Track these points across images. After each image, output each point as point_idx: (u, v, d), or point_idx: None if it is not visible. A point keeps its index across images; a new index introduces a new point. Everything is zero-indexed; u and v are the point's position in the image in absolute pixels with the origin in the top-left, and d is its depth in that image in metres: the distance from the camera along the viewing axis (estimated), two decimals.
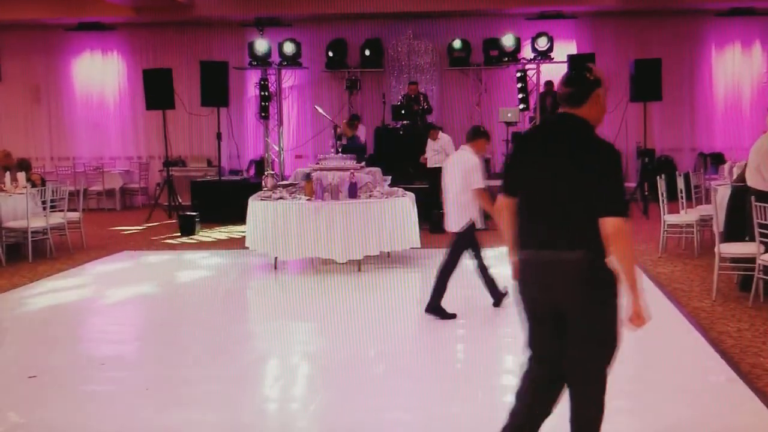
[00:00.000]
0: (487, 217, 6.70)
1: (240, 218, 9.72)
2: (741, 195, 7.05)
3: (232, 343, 6.13)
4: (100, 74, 16.23)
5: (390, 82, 15.45)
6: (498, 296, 6.73)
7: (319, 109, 12.55)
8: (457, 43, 14.98)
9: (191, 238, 11.29)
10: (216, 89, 13.74)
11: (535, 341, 3.46)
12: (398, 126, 13.62)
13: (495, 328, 6.55)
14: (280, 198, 8.89)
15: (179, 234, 11.51)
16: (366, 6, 14.05)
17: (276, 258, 8.83)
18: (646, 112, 13.18)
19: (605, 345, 3.29)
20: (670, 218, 9.08)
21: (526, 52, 14.38)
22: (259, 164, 15.16)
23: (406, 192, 9.31)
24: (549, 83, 14.12)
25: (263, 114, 14.62)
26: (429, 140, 12.06)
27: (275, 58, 14.50)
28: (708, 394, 4.81)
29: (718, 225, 7.10)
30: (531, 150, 3.42)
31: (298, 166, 14.46)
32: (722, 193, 7.83)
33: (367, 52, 15.10)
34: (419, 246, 8.97)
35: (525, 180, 3.38)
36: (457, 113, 15.30)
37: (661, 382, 4.93)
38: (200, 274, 9.10)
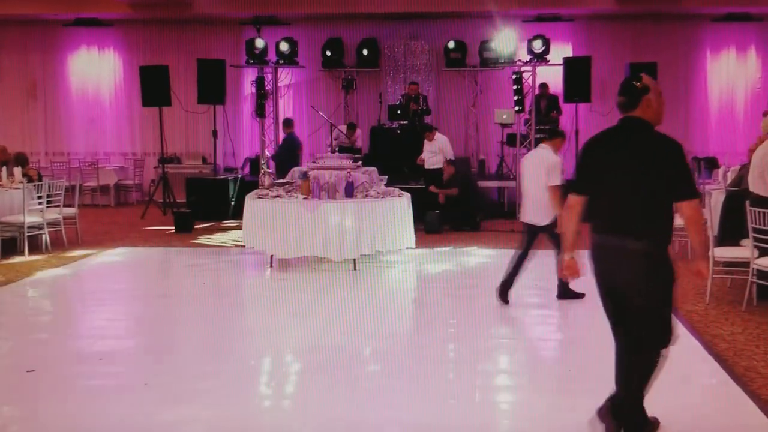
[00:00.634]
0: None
1: (235, 215, 9.73)
2: (736, 199, 7.11)
3: (228, 340, 6.15)
4: (96, 70, 16.20)
5: (386, 82, 15.47)
6: (505, 293, 6.87)
7: (321, 114, 12.63)
8: (453, 44, 15.02)
9: (186, 235, 11.28)
10: (212, 87, 13.75)
11: (608, 313, 3.95)
12: (395, 126, 13.64)
13: (490, 329, 6.58)
14: (277, 196, 8.91)
15: (174, 230, 11.52)
16: (363, 6, 14.06)
17: (272, 256, 8.85)
18: None
19: (658, 323, 3.77)
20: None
21: (522, 55, 14.41)
22: (254, 162, 15.16)
23: (403, 192, 9.34)
24: (544, 85, 14.16)
25: (259, 112, 14.62)
26: (425, 141, 12.10)
27: (272, 56, 14.49)
28: (702, 396, 4.87)
29: (713, 229, 7.15)
30: (599, 151, 3.91)
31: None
32: (716, 198, 7.88)
33: (365, 52, 15.12)
34: (414, 246, 9.01)
35: (596, 179, 3.86)
36: (452, 114, 15.34)
37: (654, 384, 4.96)
38: (195, 271, 9.10)
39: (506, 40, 13.58)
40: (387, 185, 10.27)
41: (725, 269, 7.18)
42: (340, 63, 15.35)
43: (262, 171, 12.81)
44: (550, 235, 6.73)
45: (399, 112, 13.51)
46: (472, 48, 15.07)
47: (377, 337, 6.25)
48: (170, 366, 5.56)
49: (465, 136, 15.39)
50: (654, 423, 4.06)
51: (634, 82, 3.83)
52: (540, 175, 6.72)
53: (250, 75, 15.40)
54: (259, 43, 14.15)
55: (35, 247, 9.69)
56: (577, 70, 13.27)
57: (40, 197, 9.56)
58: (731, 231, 7.10)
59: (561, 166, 6.72)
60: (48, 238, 9.79)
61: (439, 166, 11.91)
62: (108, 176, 15.33)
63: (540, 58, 13.45)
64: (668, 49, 14.78)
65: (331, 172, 9.24)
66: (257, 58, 14.26)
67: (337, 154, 10.34)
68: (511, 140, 13.87)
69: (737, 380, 4.95)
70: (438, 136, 12.12)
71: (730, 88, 15.27)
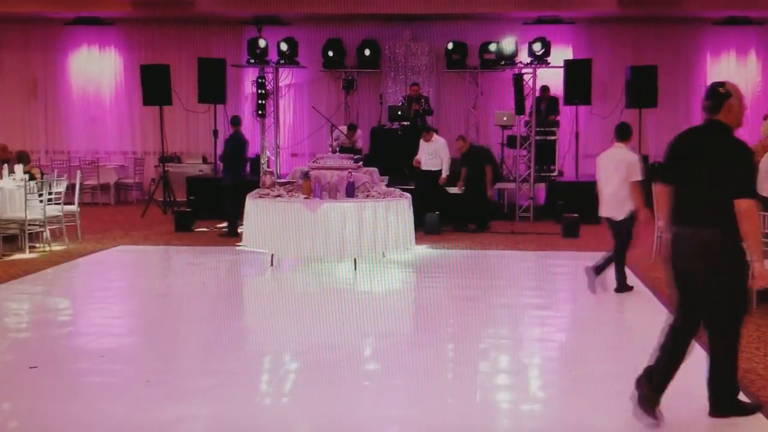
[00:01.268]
0: None
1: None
2: None
3: (229, 339, 6.16)
4: (97, 69, 16.23)
5: (387, 83, 15.49)
6: (596, 276, 7.25)
7: (321, 114, 12.62)
8: (453, 46, 15.04)
9: (186, 234, 11.29)
10: (213, 86, 13.77)
11: (677, 298, 4.35)
12: (395, 127, 13.64)
13: (490, 329, 6.60)
14: (278, 196, 8.92)
15: (174, 229, 11.52)
16: (364, 6, 14.08)
17: (272, 255, 8.86)
18: (641, 118, 13.27)
19: (730, 306, 4.21)
20: (663, 223, 9.12)
21: (523, 57, 14.44)
22: (255, 162, 15.16)
23: (403, 193, 9.36)
24: (545, 88, 14.19)
25: (260, 112, 14.64)
26: (422, 142, 11.95)
27: (273, 56, 14.51)
28: (702, 397, 4.87)
29: None
30: (682, 147, 4.38)
31: (293, 164, 14.50)
32: None
33: (367, 52, 15.14)
34: (415, 247, 9.02)
35: (677, 171, 4.34)
36: (453, 115, 15.36)
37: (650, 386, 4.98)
38: (196, 270, 9.12)
39: (506, 43, 13.60)
40: (387, 186, 10.28)
41: None
42: (341, 63, 15.38)
43: (263, 171, 12.82)
44: (624, 228, 7.13)
45: (400, 113, 13.52)
46: (473, 49, 15.09)
47: (377, 337, 6.26)
48: (171, 364, 5.57)
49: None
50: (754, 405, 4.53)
51: (718, 88, 4.25)
52: (620, 172, 7.15)
53: (250, 75, 15.42)
54: (262, 42, 14.17)
55: (36, 244, 9.69)
56: (577, 73, 13.31)
57: (41, 195, 9.57)
58: None
59: (640, 162, 7.22)
60: (49, 236, 9.81)
61: (437, 168, 11.78)
62: (108, 175, 15.36)
63: (540, 61, 13.48)
64: (668, 53, 14.82)
65: (333, 172, 9.24)
66: (258, 58, 14.27)
67: (338, 154, 10.34)
68: (511, 142, 13.89)
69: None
70: (436, 137, 12.02)
71: None
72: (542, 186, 13.64)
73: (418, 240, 9.17)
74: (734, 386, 4.43)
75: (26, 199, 9.36)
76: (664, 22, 14.99)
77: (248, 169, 13.41)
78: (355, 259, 8.65)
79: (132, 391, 4.93)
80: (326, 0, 14.15)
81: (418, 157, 11.92)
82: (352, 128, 14.02)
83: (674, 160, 4.43)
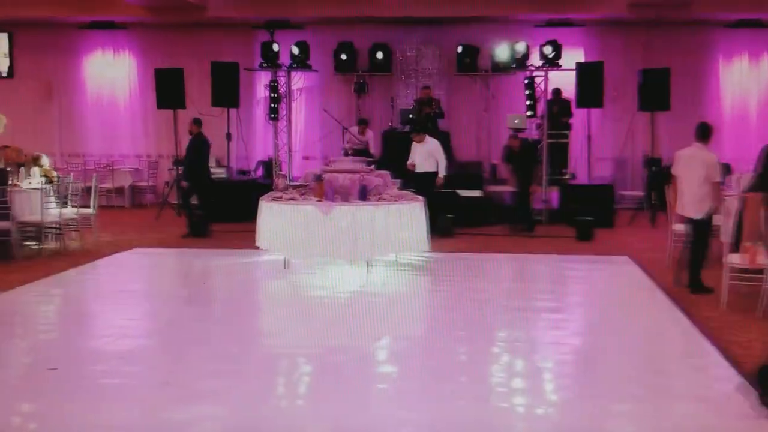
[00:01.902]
0: None
1: (249, 217, 9.79)
2: None
3: (244, 341, 6.22)
4: (111, 73, 16.35)
5: (398, 86, 15.53)
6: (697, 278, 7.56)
7: (333, 117, 12.63)
8: (464, 49, 15.06)
9: (201, 237, 11.35)
10: (226, 90, 13.86)
11: None
12: (407, 130, 13.63)
13: (503, 332, 6.62)
14: (291, 199, 8.97)
15: (189, 232, 11.59)
16: (376, 10, 14.12)
17: (286, 258, 8.91)
18: (653, 121, 13.25)
19: None
20: (678, 227, 9.12)
21: (534, 59, 14.45)
22: (267, 165, 15.24)
23: (416, 196, 9.38)
24: (557, 91, 14.19)
25: (273, 115, 14.70)
26: (414, 144, 11.56)
27: (285, 60, 14.59)
28: (716, 401, 4.88)
29: (728, 235, 7.17)
30: None
31: (305, 167, 14.56)
32: (730, 204, 7.89)
33: (379, 55, 15.18)
34: (428, 250, 9.05)
35: None
36: (464, 119, 15.39)
37: (667, 388, 5.01)
38: (210, 273, 9.19)
39: (513, 48, 13.62)
40: (399, 189, 10.31)
41: (740, 276, 7.18)
42: (353, 67, 15.43)
43: (276, 173, 12.88)
44: (701, 227, 7.39)
45: (411, 116, 13.53)
46: (484, 53, 15.10)
47: (390, 339, 6.29)
48: (188, 365, 5.62)
49: (477, 141, 15.43)
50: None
51: None
52: (700, 172, 7.33)
53: (263, 78, 15.49)
54: (275, 46, 14.25)
55: (53, 246, 9.79)
56: (589, 76, 13.31)
57: (57, 198, 9.67)
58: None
59: (719, 164, 7.47)
60: (65, 238, 9.89)
61: (432, 169, 11.54)
62: (123, 178, 15.49)
63: (551, 63, 13.48)
64: (681, 55, 14.76)
65: (345, 175, 9.29)
66: (271, 62, 14.35)
67: (350, 157, 10.35)
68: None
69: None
70: (429, 138, 11.77)
71: (742, 95, 15.26)
72: (555, 189, 13.63)
73: (431, 243, 9.19)
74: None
75: (43, 202, 9.46)
76: (676, 25, 14.94)
77: (209, 171, 12.46)
78: (367, 262, 8.69)
79: (149, 392, 4.99)
80: (338, 4, 14.24)
81: (411, 161, 11.57)
82: (362, 123, 14.00)
83: None
